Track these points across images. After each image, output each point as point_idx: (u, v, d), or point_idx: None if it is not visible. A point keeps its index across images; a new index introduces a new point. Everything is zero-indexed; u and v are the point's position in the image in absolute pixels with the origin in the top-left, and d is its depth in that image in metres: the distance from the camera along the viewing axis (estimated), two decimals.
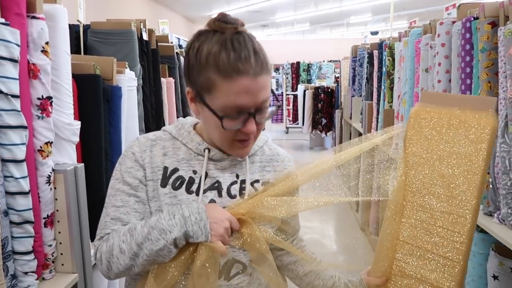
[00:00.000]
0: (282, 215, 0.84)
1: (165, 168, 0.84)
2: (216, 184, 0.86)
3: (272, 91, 0.82)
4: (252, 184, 0.89)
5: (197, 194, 0.83)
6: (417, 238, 0.89)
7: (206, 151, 0.86)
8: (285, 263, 0.98)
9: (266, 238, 0.82)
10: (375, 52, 3.12)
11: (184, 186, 0.84)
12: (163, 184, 0.84)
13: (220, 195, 0.86)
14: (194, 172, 0.85)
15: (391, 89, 2.70)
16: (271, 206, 0.83)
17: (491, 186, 1.39)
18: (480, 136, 0.81)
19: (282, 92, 9.14)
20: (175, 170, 0.84)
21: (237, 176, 0.88)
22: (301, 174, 0.89)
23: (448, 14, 2.20)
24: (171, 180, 0.84)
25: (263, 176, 0.91)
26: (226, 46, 0.75)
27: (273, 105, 0.83)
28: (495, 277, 1.34)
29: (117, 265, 0.79)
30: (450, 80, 1.76)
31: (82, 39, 1.60)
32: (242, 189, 0.87)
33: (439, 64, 1.80)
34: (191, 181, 0.85)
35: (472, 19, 1.55)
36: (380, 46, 3.00)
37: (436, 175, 0.86)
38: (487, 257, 1.39)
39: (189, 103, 0.85)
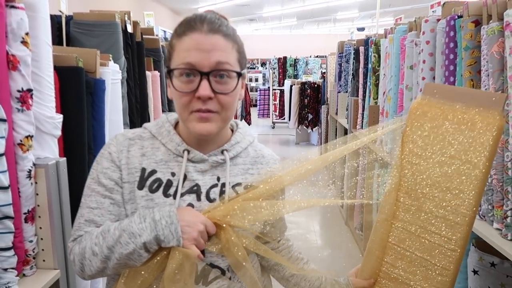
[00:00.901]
0: (265, 218, 0.80)
1: (143, 170, 0.81)
2: (195, 188, 0.82)
3: (239, 67, 0.80)
4: (233, 187, 0.84)
5: (174, 198, 0.80)
6: (408, 242, 0.84)
7: (185, 152, 0.82)
8: (271, 264, 0.97)
9: (244, 244, 0.78)
10: (361, 49, 3.13)
11: (161, 189, 0.80)
12: (140, 187, 0.80)
13: (198, 199, 0.82)
14: (173, 174, 0.81)
15: (377, 85, 2.72)
16: (252, 210, 0.78)
17: None
18: (484, 137, 0.73)
19: (268, 87, 9.13)
20: (153, 172, 0.81)
21: (218, 179, 0.84)
22: (286, 174, 0.85)
23: (433, 12, 2.22)
24: (148, 183, 0.80)
25: (246, 179, 0.86)
26: (190, 16, 0.78)
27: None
28: (475, 272, 1.37)
29: (89, 267, 0.78)
30: (434, 78, 1.78)
31: (65, 30, 1.56)
32: (222, 193, 0.83)
33: (424, 62, 1.82)
34: (169, 184, 0.81)
35: (456, 17, 1.57)
36: (366, 42, 3.01)
37: (434, 177, 0.79)
38: (467, 252, 1.42)
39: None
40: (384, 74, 2.50)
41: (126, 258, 0.74)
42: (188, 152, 0.82)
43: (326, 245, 3.28)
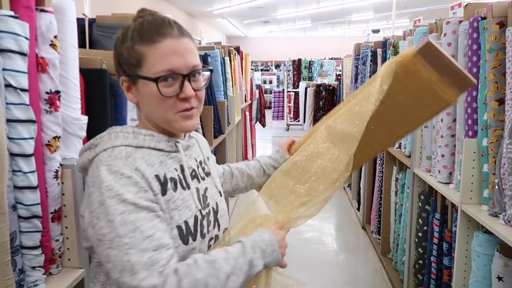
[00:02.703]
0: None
1: (157, 177, 0.79)
2: (194, 172, 0.89)
3: (202, 61, 0.88)
4: (205, 162, 0.96)
5: (189, 188, 0.85)
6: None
7: (179, 145, 0.86)
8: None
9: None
10: (379, 51, 3.10)
11: (178, 185, 0.83)
12: (163, 193, 0.79)
13: (198, 181, 0.90)
14: (176, 169, 0.84)
15: None
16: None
17: (497, 187, 1.39)
18: (438, 104, 0.95)
19: (283, 89, 9.12)
20: (164, 175, 0.81)
21: (195, 159, 0.92)
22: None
23: (453, 13, 2.18)
24: (168, 186, 0.80)
25: (204, 153, 0.98)
26: (144, 20, 0.81)
27: (203, 71, 0.85)
28: (499, 278, 1.34)
29: None
30: None
31: (88, 33, 1.58)
32: (203, 169, 0.93)
33: None
34: (180, 178, 0.84)
35: (480, 18, 1.54)
36: (384, 44, 2.98)
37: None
38: (491, 258, 1.39)
39: (126, 95, 0.84)
40: None
41: (236, 284, 0.77)
42: (178, 142, 0.87)
43: (342, 249, 3.26)
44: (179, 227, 0.80)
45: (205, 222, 0.86)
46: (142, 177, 0.75)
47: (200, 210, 0.85)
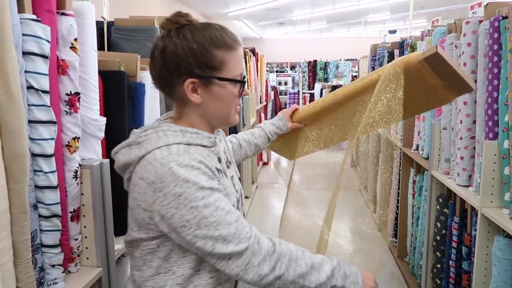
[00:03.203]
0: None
1: (216, 169, 0.88)
2: (227, 163, 0.98)
3: None
4: (229, 151, 1.04)
5: (226, 176, 0.93)
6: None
7: (217, 140, 0.93)
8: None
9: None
10: (396, 51, 3.07)
11: (223, 174, 0.91)
12: (219, 181, 0.88)
13: (229, 168, 0.98)
14: (216, 162, 0.90)
15: None
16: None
17: None
18: (434, 103, 1.05)
19: (298, 91, 9.09)
20: (213, 166, 0.87)
21: (224, 151, 0.98)
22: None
23: (473, 13, 2.14)
24: (218, 176, 0.88)
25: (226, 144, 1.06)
26: (213, 28, 0.87)
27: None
28: None
29: (283, 274, 0.84)
30: (476, 81, 1.72)
31: (106, 36, 1.61)
32: (227, 158, 0.99)
33: (465, 64, 1.76)
34: (221, 169, 0.91)
35: (501, 18, 1.51)
36: (401, 45, 2.95)
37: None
38: None
39: (189, 96, 0.87)
40: None
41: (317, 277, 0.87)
42: (216, 139, 0.94)
43: (358, 252, 3.22)
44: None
45: (240, 206, 0.97)
46: (206, 167, 0.84)
47: (236, 196, 0.95)
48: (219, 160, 0.92)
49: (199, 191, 0.80)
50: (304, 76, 9.05)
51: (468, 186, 1.79)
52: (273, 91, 6.90)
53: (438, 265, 2.07)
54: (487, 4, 1.67)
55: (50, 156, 0.99)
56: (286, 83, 12.56)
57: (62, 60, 1.05)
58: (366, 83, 1.15)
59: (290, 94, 9.27)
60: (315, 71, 9.03)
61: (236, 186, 0.97)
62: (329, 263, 0.89)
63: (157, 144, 0.83)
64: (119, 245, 1.25)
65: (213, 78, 0.86)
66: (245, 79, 0.91)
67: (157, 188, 0.79)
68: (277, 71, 14.26)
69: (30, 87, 0.94)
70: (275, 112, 6.99)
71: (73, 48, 1.07)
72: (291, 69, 14.60)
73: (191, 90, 0.86)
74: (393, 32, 10.44)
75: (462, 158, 1.79)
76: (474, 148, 1.75)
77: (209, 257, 0.82)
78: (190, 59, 0.84)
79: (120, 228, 1.32)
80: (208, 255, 0.82)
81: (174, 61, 0.85)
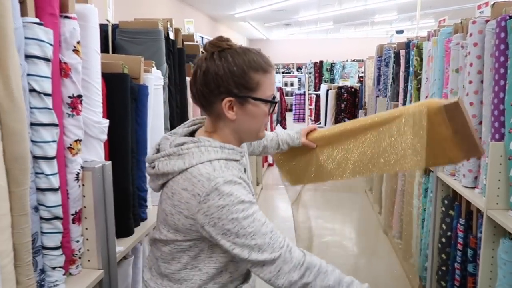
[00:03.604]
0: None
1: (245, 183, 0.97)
2: (248, 174, 1.08)
3: None
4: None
5: (249, 187, 0.99)
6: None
7: (245, 154, 1.05)
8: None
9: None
10: (402, 52, 3.04)
11: (248, 186, 0.99)
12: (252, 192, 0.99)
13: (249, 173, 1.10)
14: (243, 174, 0.99)
15: (418, 89, 2.63)
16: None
17: None
18: (440, 158, 1.06)
19: (304, 92, 9.07)
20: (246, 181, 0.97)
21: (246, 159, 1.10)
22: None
23: (480, 12, 2.12)
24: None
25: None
26: (251, 53, 0.97)
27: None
28: None
29: (318, 281, 0.93)
30: (482, 81, 1.70)
31: (110, 38, 1.62)
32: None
33: (471, 65, 1.74)
34: (248, 179, 1.02)
35: (508, 17, 1.49)
36: (407, 45, 2.92)
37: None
38: None
39: (226, 113, 0.95)
40: (426, 78, 2.42)
41: None
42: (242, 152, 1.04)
43: (363, 253, 3.20)
44: None
45: None
46: (244, 181, 0.94)
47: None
48: (245, 170, 1.04)
49: (240, 204, 0.89)
50: (310, 77, 9.02)
51: (474, 187, 1.77)
52: (279, 92, 6.89)
53: (443, 268, 2.05)
54: (494, 4, 1.65)
55: (52, 158, 0.99)
56: (292, 84, 12.55)
57: (65, 63, 1.06)
58: (385, 119, 1.18)
59: (296, 95, 9.26)
60: (321, 72, 9.00)
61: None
62: (358, 286, 0.96)
63: (200, 159, 0.93)
64: (120, 247, 1.25)
65: (249, 98, 0.95)
66: (277, 99, 1.00)
67: (202, 200, 0.89)
68: (283, 72, 14.26)
69: (32, 90, 0.94)
70: (280, 114, 6.97)
71: (75, 51, 1.07)
72: (297, 70, 14.59)
73: (228, 107, 0.95)
74: (400, 32, 10.36)
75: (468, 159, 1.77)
76: None
77: (245, 262, 0.92)
78: (230, 80, 0.93)
79: (121, 230, 1.32)
80: (244, 260, 0.91)
81: (215, 81, 0.94)
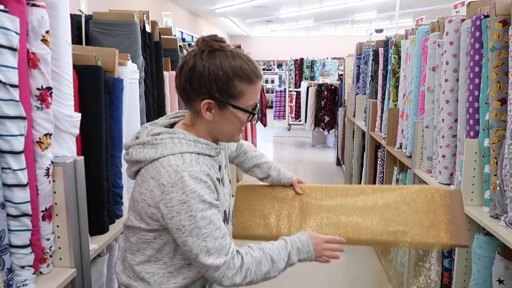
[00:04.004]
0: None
1: (215, 179, 0.98)
2: (225, 170, 1.10)
3: None
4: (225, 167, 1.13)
5: (223, 184, 1.05)
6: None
7: (222, 151, 1.06)
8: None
9: None
10: (381, 50, 3.08)
11: (221, 182, 1.03)
12: (217, 191, 0.99)
13: (227, 173, 1.12)
14: (218, 170, 1.04)
15: (396, 87, 2.67)
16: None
17: (498, 188, 1.37)
18: (432, 239, 1.13)
19: (285, 89, 9.09)
20: (215, 176, 0.99)
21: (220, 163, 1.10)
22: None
23: (456, 12, 2.15)
24: (217, 184, 0.99)
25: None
26: (241, 59, 0.95)
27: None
28: (500, 281, 1.32)
29: (249, 277, 0.97)
30: (457, 80, 1.73)
31: (84, 30, 1.57)
32: (225, 166, 1.12)
33: (447, 63, 1.77)
34: (221, 177, 1.04)
35: (483, 17, 1.51)
36: (386, 43, 2.95)
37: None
38: (492, 261, 1.36)
39: (203, 113, 0.96)
40: (404, 76, 2.45)
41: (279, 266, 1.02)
42: (221, 150, 1.06)
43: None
44: (224, 213, 1.02)
45: (231, 209, 1.09)
46: (211, 180, 0.95)
47: (229, 201, 1.07)
48: (220, 168, 1.04)
49: (201, 203, 0.91)
50: (290, 74, 9.05)
51: (449, 184, 1.80)
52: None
53: (420, 263, 2.09)
54: (469, 3, 1.68)
55: (19, 153, 0.95)
56: (273, 81, 12.56)
57: (33, 53, 1.01)
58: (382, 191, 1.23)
59: (276, 92, 9.27)
60: (301, 69, 9.03)
61: (226, 188, 1.08)
62: (283, 248, 1.03)
63: (172, 150, 0.94)
64: (94, 245, 1.21)
65: (229, 104, 0.96)
66: (257, 109, 1.01)
67: (166, 191, 0.90)
68: (264, 69, 14.25)
69: None
70: (261, 111, 6.96)
71: (44, 41, 1.02)
72: (278, 67, 14.61)
73: (206, 108, 0.96)
74: (379, 31, 10.50)
75: (444, 156, 1.80)
76: (456, 146, 1.76)
77: (192, 260, 0.96)
78: (213, 83, 0.93)
79: (95, 227, 1.28)
80: (191, 259, 0.95)
81: (198, 81, 0.94)
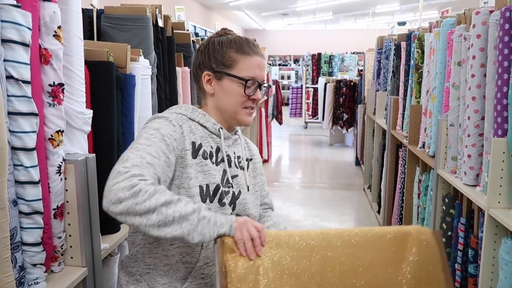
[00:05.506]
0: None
1: (193, 143, 1.02)
2: (227, 157, 1.08)
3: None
4: (246, 160, 1.15)
5: (217, 165, 1.05)
6: None
7: (221, 130, 1.07)
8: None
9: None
10: (403, 44, 2.98)
11: (209, 157, 1.03)
12: (194, 156, 1.01)
13: (229, 165, 1.08)
14: (211, 147, 1.05)
15: (419, 83, 2.58)
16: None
17: None
18: None
19: (301, 85, 8.99)
20: (200, 145, 1.03)
21: (234, 153, 1.11)
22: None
23: (484, 3, 2.06)
24: (200, 153, 1.02)
25: (247, 154, 1.17)
26: (240, 38, 1.08)
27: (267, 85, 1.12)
28: None
29: (138, 206, 0.82)
30: (485, 75, 1.65)
31: (96, 25, 1.55)
32: (239, 162, 1.11)
33: (474, 57, 1.69)
34: (212, 154, 1.05)
35: None
36: (408, 37, 2.86)
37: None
38: None
39: (204, 86, 1.06)
40: (428, 71, 2.36)
41: (174, 231, 0.84)
42: (222, 129, 1.08)
43: None
44: (200, 187, 1.00)
45: (224, 196, 1.03)
46: (181, 133, 0.99)
47: (220, 184, 1.03)
48: (218, 149, 1.06)
49: (154, 130, 0.95)
50: (307, 70, 8.93)
51: (475, 185, 1.72)
52: (274, 85, 6.79)
53: None
54: None
55: (32, 150, 0.94)
56: (289, 77, 12.45)
57: (45, 49, 1.00)
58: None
59: (292, 88, 9.17)
60: (319, 64, 8.91)
61: (229, 182, 1.06)
62: (190, 204, 0.87)
63: (171, 110, 1.06)
64: (106, 244, 1.20)
65: (223, 73, 1.03)
66: (256, 84, 1.04)
67: (146, 122, 1.02)
68: (279, 64, 14.13)
69: (9, 77, 0.89)
70: (276, 108, 6.89)
71: (56, 36, 1.01)
72: (294, 63, 14.47)
73: (206, 81, 1.06)
74: (402, 24, 10.24)
75: (469, 156, 1.72)
76: (482, 146, 1.68)
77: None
78: (211, 55, 1.05)
79: (107, 226, 1.27)
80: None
81: (199, 58, 1.07)
